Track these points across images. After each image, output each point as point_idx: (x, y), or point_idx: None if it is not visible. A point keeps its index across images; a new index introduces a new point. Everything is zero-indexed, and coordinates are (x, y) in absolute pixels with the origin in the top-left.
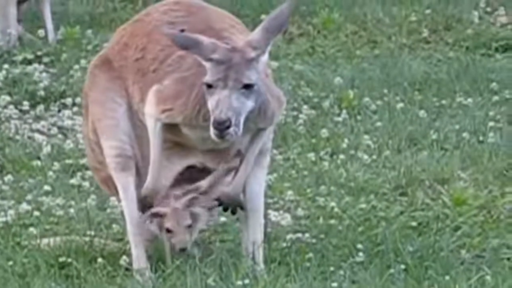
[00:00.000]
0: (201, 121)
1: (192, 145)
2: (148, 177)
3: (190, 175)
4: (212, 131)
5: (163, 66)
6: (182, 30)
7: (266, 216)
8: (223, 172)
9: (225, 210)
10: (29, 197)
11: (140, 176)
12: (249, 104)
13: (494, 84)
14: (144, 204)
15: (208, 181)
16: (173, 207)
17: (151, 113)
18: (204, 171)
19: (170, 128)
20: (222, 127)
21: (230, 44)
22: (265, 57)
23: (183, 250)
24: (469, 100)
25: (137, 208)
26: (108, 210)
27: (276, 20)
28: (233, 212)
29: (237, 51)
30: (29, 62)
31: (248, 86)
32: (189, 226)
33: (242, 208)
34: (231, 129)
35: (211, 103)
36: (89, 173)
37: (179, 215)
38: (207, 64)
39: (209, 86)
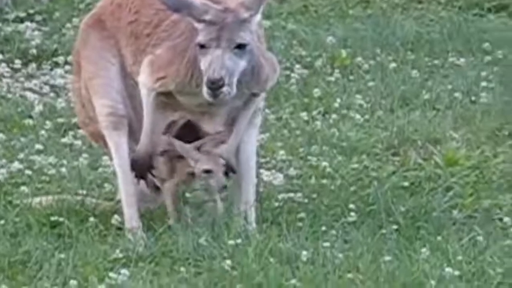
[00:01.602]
0: (194, 86)
1: (187, 108)
2: (139, 143)
3: (182, 138)
4: (205, 91)
5: (157, 30)
6: None
7: (258, 175)
8: (214, 136)
9: None
10: (21, 155)
11: (133, 135)
12: (242, 64)
13: (486, 44)
14: (135, 169)
15: (201, 142)
16: (204, 150)
17: (144, 83)
18: (196, 134)
19: (164, 95)
20: (215, 86)
21: (222, 5)
22: (258, 18)
23: (224, 187)
24: (462, 60)
25: (129, 167)
26: (100, 169)
27: None
28: (226, 174)
29: (230, 11)
30: (21, 20)
31: (241, 46)
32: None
33: (234, 171)
34: (224, 89)
35: (203, 63)
36: (81, 132)
37: (213, 156)
38: (199, 25)
39: (202, 46)
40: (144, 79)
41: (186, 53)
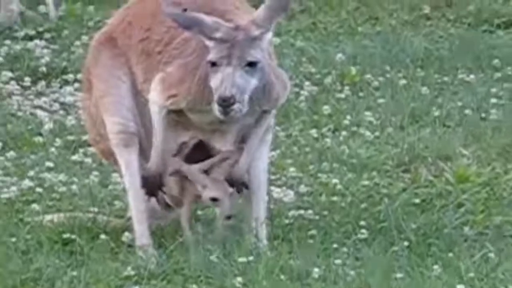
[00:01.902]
0: (205, 104)
1: (198, 127)
2: (150, 161)
3: (194, 157)
4: (216, 109)
5: (168, 48)
6: (185, 10)
7: (268, 192)
8: (226, 153)
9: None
10: (31, 173)
11: (143, 153)
12: (253, 82)
13: (496, 60)
14: (146, 186)
15: (211, 161)
16: (213, 177)
17: (155, 101)
18: (207, 152)
19: (175, 113)
20: (226, 103)
21: (233, 23)
22: (269, 35)
23: (230, 217)
24: (471, 76)
25: (140, 184)
26: (111, 187)
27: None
28: (238, 192)
29: (241, 29)
30: (31, 38)
31: (252, 64)
32: (231, 194)
33: (246, 187)
34: (236, 106)
35: (214, 81)
36: (91, 149)
37: (221, 183)
38: (211, 43)
39: (213, 64)
40: (155, 97)
41: (198, 71)
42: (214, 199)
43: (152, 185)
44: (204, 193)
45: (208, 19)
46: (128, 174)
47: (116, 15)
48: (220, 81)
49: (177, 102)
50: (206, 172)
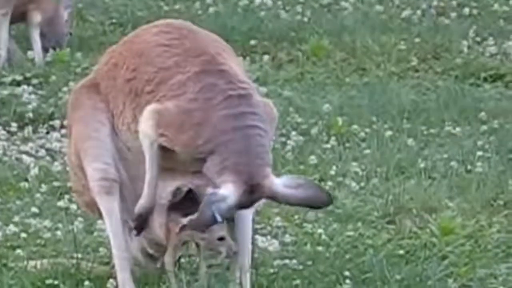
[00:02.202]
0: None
1: (182, 168)
2: (143, 195)
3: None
4: None
5: (162, 88)
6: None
7: (253, 241)
8: None
9: None
10: (16, 218)
11: (124, 200)
12: None
13: (482, 113)
14: (139, 222)
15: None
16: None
17: (147, 133)
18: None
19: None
20: None
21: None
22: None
23: (235, 252)
24: (458, 129)
25: (122, 231)
26: (95, 233)
27: (307, 198)
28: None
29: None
30: (18, 84)
31: None
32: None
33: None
34: None
35: None
36: (75, 196)
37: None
38: None
39: None
40: (147, 129)
41: (201, 130)
42: (221, 238)
43: (144, 221)
44: (210, 234)
45: None
46: (110, 222)
47: (101, 59)
48: None
49: (171, 144)
50: None
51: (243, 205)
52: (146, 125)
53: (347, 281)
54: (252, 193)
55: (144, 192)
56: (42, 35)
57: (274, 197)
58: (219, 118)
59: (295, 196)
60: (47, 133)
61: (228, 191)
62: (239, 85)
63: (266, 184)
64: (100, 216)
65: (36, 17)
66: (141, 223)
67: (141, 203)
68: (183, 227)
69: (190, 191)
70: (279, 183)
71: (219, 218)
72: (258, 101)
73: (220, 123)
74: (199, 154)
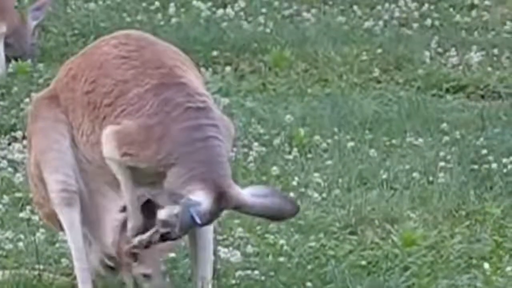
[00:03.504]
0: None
1: (140, 181)
2: (128, 218)
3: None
4: None
5: (119, 101)
6: None
7: (215, 252)
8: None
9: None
10: None
11: (84, 212)
12: None
13: (444, 124)
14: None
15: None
16: (149, 252)
17: (112, 156)
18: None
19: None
20: None
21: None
22: None
23: None
24: (420, 140)
25: (83, 243)
26: (57, 245)
27: (277, 212)
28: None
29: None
30: None
31: None
32: (164, 272)
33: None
34: None
35: None
36: (36, 207)
37: (155, 259)
38: None
39: None
40: (110, 153)
41: (162, 144)
42: (145, 275)
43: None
44: (136, 268)
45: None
46: (71, 233)
47: (60, 70)
48: None
49: (136, 162)
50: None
51: (213, 214)
52: (108, 148)
53: None
54: (219, 202)
55: (128, 214)
56: (7, 46)
57: (241, 206)
58: (179, 130)
59: (263, 205)
60: (9, 144)
61: (200, 198)
62: (197, 98)
63: (233, 193)
64: (61, 227)
65: (1, 28)
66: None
67: (131, 226)
68: (134, 247)
69: (148, 201)
70: (245, 192)
71: (198, 220)
72: (217, 114)
73: (180, 135)
74: (160, 167)
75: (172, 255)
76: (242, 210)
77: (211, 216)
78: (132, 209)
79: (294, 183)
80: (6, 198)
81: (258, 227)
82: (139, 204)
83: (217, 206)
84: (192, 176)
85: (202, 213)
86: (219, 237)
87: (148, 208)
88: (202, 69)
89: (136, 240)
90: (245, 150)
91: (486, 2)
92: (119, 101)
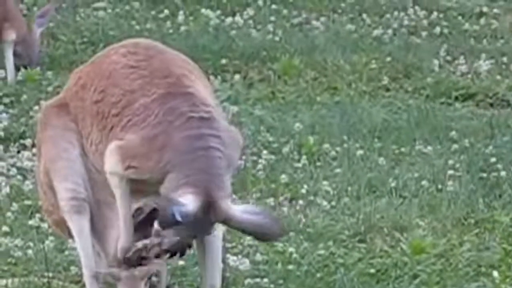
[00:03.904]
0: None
1: (144, 189)
2: (121, 237)
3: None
4: None
5: (127, 112)
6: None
7: (224, 260)
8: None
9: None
10: None
11: (92, 220)
12: None
13: (453, 132)
14: (131, 264)
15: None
16: (129, 273)
17: (114, 171)
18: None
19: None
20: None
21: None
22: None
23: None
24: (429, 148)
25: (92, 250)
26: (66, 252)
27: (262, 231)
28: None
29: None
30: None
31: None
32: None
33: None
34: None
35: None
36: (45, 215)
37: (135, 283)
38: None
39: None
40: (113, 167)
41: (164, 152)
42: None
43: (134, 260)
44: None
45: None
46: (80, 241)
47: (70, 79)
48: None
49: (139, 174)
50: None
51: (199, 221)
52: (111, 162)
53: None
54: (208, 212)
55: (121, 232)
56: (15, 54)
57: (230, 220)
58: (180, 139)
59: (251, 222)
60: (18, 152)
61: (187, 200)
62: (202, 108)
63: (223, 205)
64: (70, 235)
65: (11, 35)
66: (132, 262)
67: (120, 247)
68: (136, 251)
69: (154, 210)
70: (236, 208)
71: (179, 218)
72: (221, 125)
73: (181, 144)
74: (160, 175)
75: (181, 263)
76: (230, 225)
77: (196, 221)
78: (125, 228)
79: (303, 191)
80: (15, 206)
81: None
82: (132, 224)
83: (203, 213)
84: (187, 182)
85: (184, 213)
86: (228, 245)
87: (141, 229)
88: (211, 77)
89: (137, 245)
90: (254, 158)
91: (495, 10)
92: (126, 111)
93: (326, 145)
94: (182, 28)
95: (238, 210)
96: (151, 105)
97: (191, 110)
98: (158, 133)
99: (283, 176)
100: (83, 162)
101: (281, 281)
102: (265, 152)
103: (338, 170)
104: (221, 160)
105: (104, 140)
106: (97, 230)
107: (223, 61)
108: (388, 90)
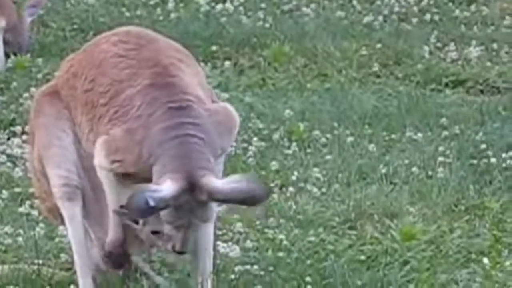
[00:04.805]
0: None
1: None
2: (109, 232)
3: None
4: None
5: (114, 103)
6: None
7: (215, 247)
8: None
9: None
10: None
11: (86, 207)
12: None
13: (443, 119)
14: (111, 261)
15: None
16: None
17: (102, 165)
18: None
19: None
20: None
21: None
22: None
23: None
24: (419, 134)
25: (84, 237)
26: (57, 239)
27: (247, 195)
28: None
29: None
30: None
31: None
32: None
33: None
34: None
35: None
36: (37, 201)
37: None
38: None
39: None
40: (101, 161)
41: (144, 144)
42: (155, 232)
43: (117, 257)
44: (144, 229)
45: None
46: (72, 227)
47: (61, 67)
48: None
49: (124, 167)
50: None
51: (182, 202)
52: (98, 157)
53: (308, 286)
54: (191, 191)
55: (110, 227)
56: (5, 41)
57: (215, 194)
58: (158, 130)
59: (234, 189)
60: (8, 139)
61: (164, 185)
62: (181, 97)
63: (204, 181)
64: (62, 222)
65: (1, 22)
66: (115, 260)
67: (109, 240)
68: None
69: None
70: (219, 181)
71: (152, 203)
72: (200, 112)
73: (159, 135)
74: (146, 170)
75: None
76: (217, 198)
77: (183, 204)
78: (114, 222)
79: (294, 178)
80: (5, 193)
81: (258, 222)
82: (121, 219)
83: (186, 196)
84: (167, 170)
85: (157, 198)
86: (218, 232)
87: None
88: (202, 64)
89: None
90: (245, 145)
91: None
92: (113, 102)
93: (316, 132)
94: (172, 14)
95: (221, 182)
96: (135, 96)
97: (170, 100)
98: (137, 127)
99: (273, 163)
100: (76, 149)
101: (271, 268)
102: (255, 139)
103: (328, 157)
104: (201, 146)
105: (94, 129)
106: (93, 216)
107: (214, 47)
108: (378, 76)
